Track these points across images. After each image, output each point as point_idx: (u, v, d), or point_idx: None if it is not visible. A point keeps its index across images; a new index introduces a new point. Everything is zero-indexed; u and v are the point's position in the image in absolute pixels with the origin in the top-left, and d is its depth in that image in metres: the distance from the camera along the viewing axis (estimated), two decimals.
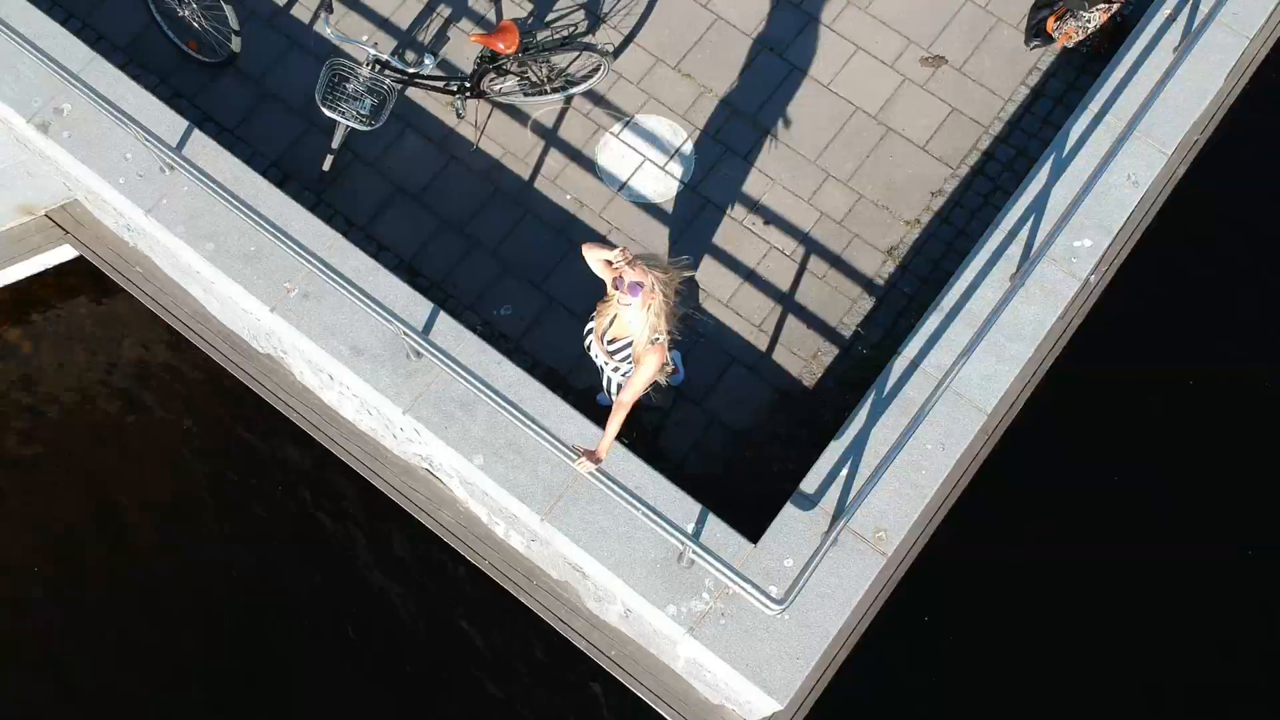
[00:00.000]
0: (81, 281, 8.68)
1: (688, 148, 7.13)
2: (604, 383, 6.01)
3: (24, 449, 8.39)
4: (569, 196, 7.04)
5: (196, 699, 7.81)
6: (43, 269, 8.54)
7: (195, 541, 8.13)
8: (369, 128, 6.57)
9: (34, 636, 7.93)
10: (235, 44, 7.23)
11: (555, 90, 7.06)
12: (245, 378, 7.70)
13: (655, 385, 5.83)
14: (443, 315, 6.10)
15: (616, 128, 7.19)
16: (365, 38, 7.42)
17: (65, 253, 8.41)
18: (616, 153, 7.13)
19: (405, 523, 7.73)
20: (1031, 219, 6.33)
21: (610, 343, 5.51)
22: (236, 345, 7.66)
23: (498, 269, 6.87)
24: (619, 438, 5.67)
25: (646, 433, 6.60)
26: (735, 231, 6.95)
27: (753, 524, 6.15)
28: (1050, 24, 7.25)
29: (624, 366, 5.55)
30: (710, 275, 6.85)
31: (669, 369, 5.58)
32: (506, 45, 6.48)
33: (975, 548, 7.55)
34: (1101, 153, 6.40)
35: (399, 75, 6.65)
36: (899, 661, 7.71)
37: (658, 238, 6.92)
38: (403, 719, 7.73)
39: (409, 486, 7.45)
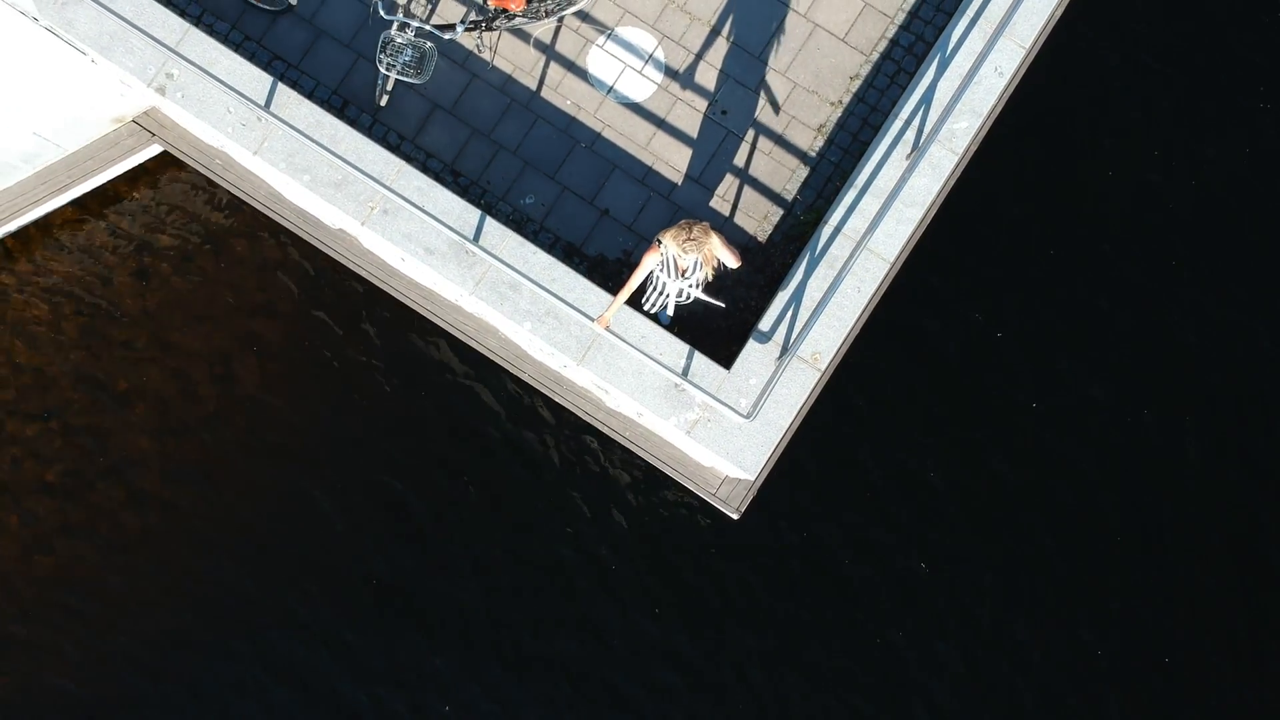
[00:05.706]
0: (168, 174, 10.59)
1: (659, 53, 9.00)
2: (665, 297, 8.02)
3: (138, 314, 10.58)
4: (569, 102, 8.96)
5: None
6: (133, 165, 10.44)
7: (277, 370, 10.50)
8: (419, 80, 8.43)
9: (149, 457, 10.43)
10: None
11: (549, 14, 8.83)
12: (319, 244, 9.79)
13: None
14: (489, 220, 8.22)
15: (600, 40, 9.01)
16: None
17: (151, 151, 10.29)
18: (602, 62, 8.99)
19: (457, 349, 10.11)
20: (922, 109, 8.37)
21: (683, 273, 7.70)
22: (309, 220, 9.73)
23: (520, 166, 8.90)
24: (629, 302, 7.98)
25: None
26: (700, 121, 8.95)
27: (725, 349, 8.58)
28: None
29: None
30: (684, 159, 8.91)
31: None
32: (517, 5, 8.24)
33: (877, 356, 10.09)
34: (976, 51, 8.37)
35: (432, 33, 8.43)
36: (826, 440, 10.36)
37: (641, 131, 8.92)
38: (471, 486, 10.39)
39: (460, 321, 9.77)
